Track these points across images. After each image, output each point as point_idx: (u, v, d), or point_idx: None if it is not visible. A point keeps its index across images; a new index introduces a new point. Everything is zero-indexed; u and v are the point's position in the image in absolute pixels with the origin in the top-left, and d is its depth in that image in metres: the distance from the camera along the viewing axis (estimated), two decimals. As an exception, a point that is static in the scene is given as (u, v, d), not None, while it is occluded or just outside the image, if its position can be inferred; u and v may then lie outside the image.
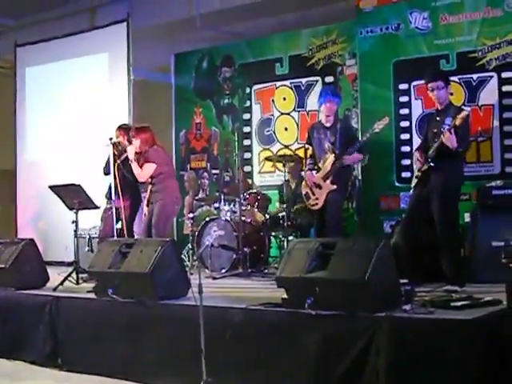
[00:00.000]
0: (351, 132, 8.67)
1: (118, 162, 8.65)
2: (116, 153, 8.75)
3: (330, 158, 8.26)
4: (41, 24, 12.76)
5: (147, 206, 8.65)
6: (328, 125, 8.40)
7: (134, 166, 8.53)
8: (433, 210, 6.90)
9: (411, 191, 7.44)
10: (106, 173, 9.13)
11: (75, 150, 11.49)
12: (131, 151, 8.54)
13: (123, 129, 9.08)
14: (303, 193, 8.55)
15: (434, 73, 7.58)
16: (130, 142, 8.77)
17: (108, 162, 9.00)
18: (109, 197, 8.87)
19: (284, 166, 9.23)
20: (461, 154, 7.00)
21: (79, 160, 11.19)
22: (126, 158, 8.65)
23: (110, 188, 9.06)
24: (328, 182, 8.23)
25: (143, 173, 8.53)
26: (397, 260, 5.53)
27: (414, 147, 8.46)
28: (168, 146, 10.54)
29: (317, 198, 8.33)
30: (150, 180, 8.56)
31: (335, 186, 8.20)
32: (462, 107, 7.45)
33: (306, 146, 8.96)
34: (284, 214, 9.03)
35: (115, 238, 8.25)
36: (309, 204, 8.50)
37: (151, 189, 8.59)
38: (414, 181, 7.23)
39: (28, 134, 12.49)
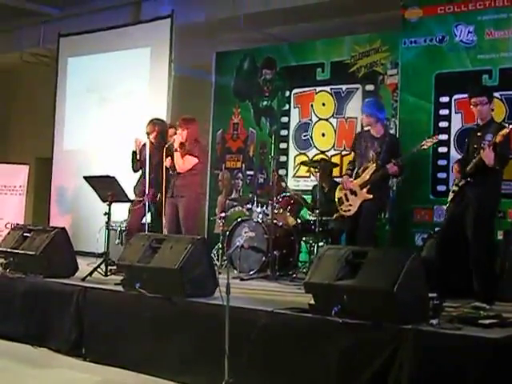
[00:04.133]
0: (396, 147, 8.56)
1: (166, 146, 8.68)
2: (154, 145, 8.80)
3: (371, 167, 8.21)
4: (85, 15, 12.83)
5: (171, 197, 8.69)
6: (377, 135, 8.34)
7: (177, 156, 8.56)
8: (467, 225, 6.83)
9: (447, 205, 7.38)
10: (136, 170, 9.21)
11: (112, 143, 11.54)
12: (177, 140, 8.58)
13: (154, 123, 9.15)
14: (337, 197, 8.51)
15: (478, 88, 7.51)
16: (164, 134, 8.90)
17: (133, 159, 9.10)
18: (140, 190, 8.94)
19: (318, 171, 9.21)
20: (498, 171, 6.93)
21: (115, 153, 11.23)
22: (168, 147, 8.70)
23: (138, 181, 9.14)
24: (365, 190, 8.18)
25: (184, 164, 8.56)
26: (427, 273, 5.50)
27: (452, 161, 8.42)
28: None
29: (350, 205, 8.29)
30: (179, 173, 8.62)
31: (371, 196, 8.15)
32: (504, 124, 7.37)
33: (346, 152, 8.91)
34: (315, 219, 9.00)
35: (145, 232, 8.29)
36: (341, 209, 8.47)
37: (177, 181, 8.61)
38: (451, 195, 7.18)
39: (66, 123, 12.56)
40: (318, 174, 9.25)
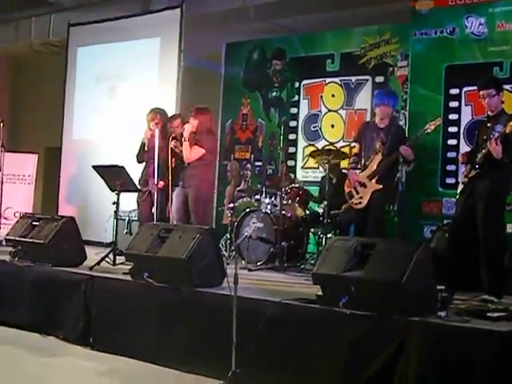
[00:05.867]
0: (402, 134, 8.59)
1: (173, 135, 8.69)
2: (160, 134, 8.81)
3: (378, 157, 8.24)
4: (94, 5, 12.82)
5: (182, 187, 8.69)
6: (382, 126, 8.39)
7: (185, 146, 8.58)
8: (477, 218, 6.81)
9: (457, 197, 7.35)
10: (140, 161, 9.22)
11: (121, 133, 11.53)
12: (188, 130, 8.58)
13: (156, 112, 9.18)
14: (346, 191, 8.51)
15: (485, 80, 7.47)
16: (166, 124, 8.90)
17: (140, 149, 9.12)
18: (144, 181, 8.97)
19: (327, 162, 9.18)
20: (507, 164, 6.89)
21: (124, 143, 11.22)
22: (174, 138, 8.70)
23: (143, 172, 9.17)
24: (373, 181, 8.20)
25: (191, 155, 8.57)
26: (435, 266, 5.48)
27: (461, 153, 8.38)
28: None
29: (361, 197, 8.30)
30: (189, 163, 8.62)
31: (381, 186, 8.17)
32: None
33: (353, 144, 8.90)
34: (324, 210, 8.99)
35: (155, 221, 8.30)
36: (352, 203, 8.46)
37: (188, 171, 8.62)
38: (461, 187, 7.14)
39: (76, 113, 12.55)
40: (327, 165, 9.22)
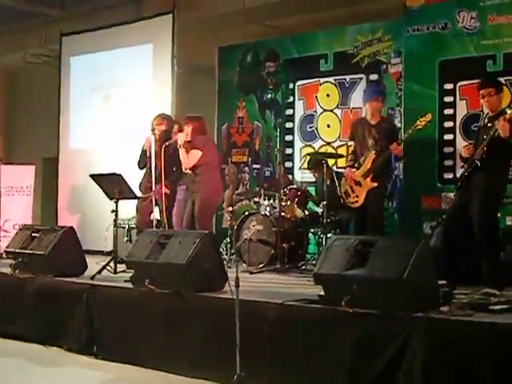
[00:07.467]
0: (394, 131, 8.61)
1: (167, 143, 8.69)
2: (158, 139, 8.81)
3: (371, 155, 8.26)
4: (86, 14, 12.84)
5: (190, 195, 8.69)
6: (373, 122, 8.40)
7: (182, 152, 8.59)
8: (472, 211, 6.80)
9: (454, 193, 7.34)
10: (142, 167, 9.22)
11: (117, 140, 11.55)
12: (181, 138, 8.60)
13: (163, 118, 9.18)
14: (343, 190, 8.53)
15: (485, 79, 7.45)
16: (170, 131, 8.89)
17: (142, 156, 9.11)
18: (146, 186, 8.96)
19: (312, 168, 9.24)
20: (510, 151, 6.84)
21: (121, 150, 11.24)
22: (171, 145, 8.70)
23: (143, 178, 9.16)
24: (368, 179, 8.21)
25: (189, 159, 8.57)
26: (436, 261, 5.48)
27: (458, 148, 8.38)
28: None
29: (357, 196, 8.32)
30: (193, 169, 8.60)
31: (376, 184, 8.18)
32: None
33: (349, 142, 8.93)
34: (323, 210, 8.99)
35: (153, 228, 8.30)
36: (348, 202, 8.48)
37: (194, 179, 8.63)
38: (460, 183, 7.12)
39: (71, 122, 12.57)
40: (313, 171, 9.29)
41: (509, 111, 6.66)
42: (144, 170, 9.26)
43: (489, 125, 6.95)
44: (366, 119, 8.57)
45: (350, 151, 8.86)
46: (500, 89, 7.04)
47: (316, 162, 9.59)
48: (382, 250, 5.41)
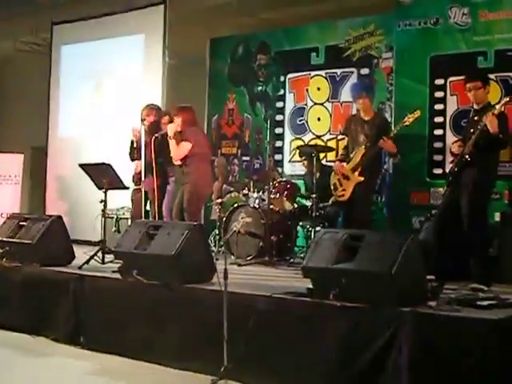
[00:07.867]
0: (387, 126, 8.60)
1: (157, 135, 8.64)
2: (148, 131, 8.78)
3: (361, 150, 8.28)
4: (78, 3, 12.76)
5: (179, 186, 8.68)
6: (366, 118, 8.41)
7: (172, 144, 8.51)
8: (462, 206, 6.81)
9: (444, 189, 7.35)
10: (133, 159, 9.19)
11: (107, 130, 11.52)
12: (172, 129, 8.53)
13: (151, 108, 9.14)
14: (332, 183, 8.54)
15: (472, 72, 7.46)
16: (159, 121, 8.83)
17: (132, 147, 9.08)
18: (137, 179, 8.94)
19: (305, 159, 9.21)
20: (498, 146, 6.86)
21: (110, 140, 11.21)
22: (161, 136, 8.66)
23: (135, 170, 9.14)
24: (356, 173, 8.23)
25: (179, 151, 8.49)
26: (424, 256, 5.48)
27: (448, 143, 8.39)
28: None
29: (344, 190, 8.34)
30: (183, 161, 8.56)
31: (363, 178, 8.19)
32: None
33: (341, 136, 8.94)
34: (312, 203, 8.99)
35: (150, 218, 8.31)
36: (336, 195, 8.49)
37: (184, 170, 8.59)
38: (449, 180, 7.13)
39: (61, 111, 12.55)
40: (305, 162, 9.29)
41: (497, 106, 6.69)
42: (135, 161, 9.23)
43: (475, 118, 6.97)
44: (359, 115, 8.57)
45: (342, 146, 8.85)
46: (487, 82, 7.05)
47: (306, 154, 9.60)
48: (371, 244, 5.42)
